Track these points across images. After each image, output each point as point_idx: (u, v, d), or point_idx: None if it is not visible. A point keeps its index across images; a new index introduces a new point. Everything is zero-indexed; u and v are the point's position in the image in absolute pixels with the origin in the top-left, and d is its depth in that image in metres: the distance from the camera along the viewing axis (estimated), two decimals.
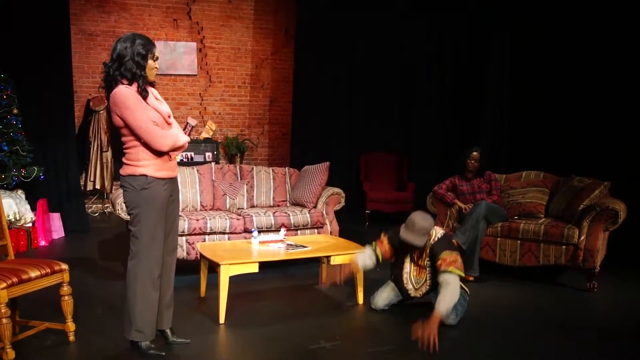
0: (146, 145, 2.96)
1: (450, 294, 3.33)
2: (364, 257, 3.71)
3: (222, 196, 5.42)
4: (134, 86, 2.96)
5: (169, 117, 3.09)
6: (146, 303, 3.05)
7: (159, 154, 2.99)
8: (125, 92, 2.90)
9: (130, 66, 2.92)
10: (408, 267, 3.77)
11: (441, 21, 7.86)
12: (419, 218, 3.56)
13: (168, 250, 3.21)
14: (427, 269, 3.70)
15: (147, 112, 2.94)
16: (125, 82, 2.94)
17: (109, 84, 2.97)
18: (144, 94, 2.97)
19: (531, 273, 4.87)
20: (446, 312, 3.28)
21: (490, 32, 7.28)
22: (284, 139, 9.56)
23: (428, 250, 3.63)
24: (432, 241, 3.61)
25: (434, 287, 3.64)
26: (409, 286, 3.79)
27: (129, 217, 3.12)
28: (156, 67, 3.05)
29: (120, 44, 2.95)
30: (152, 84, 3.09)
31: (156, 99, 3.09)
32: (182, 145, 3.10)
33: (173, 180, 3.16)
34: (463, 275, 3.54)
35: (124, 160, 3.06)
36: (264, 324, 3.70)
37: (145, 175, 2.97)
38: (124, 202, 3.10)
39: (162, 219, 3.07)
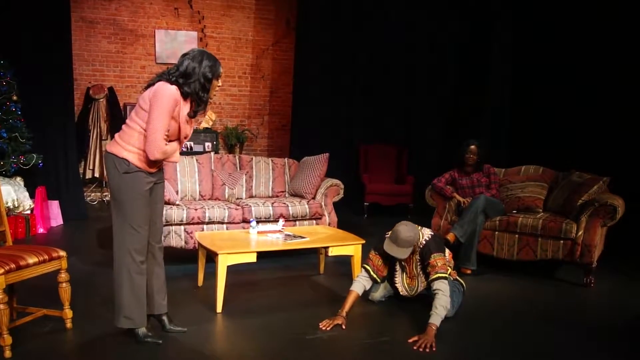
0: (143, 136, 2.94)
1: (441, 304, 3.33)
2: (361, 283, 3.65)
3: (221, 186, 5.42)
4: (187, 103, 2.97)
5: (186, 137, 3.09)
6: (132, 289, 3.05)
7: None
8: (170, 94, 2.89)
9: (194, 87, 2.95)
10: (400, 278, 3.77)
11: (443, 13, 7.83)
12: (403, 228, 3.48)
13: (155, 236, 3.20)
14: (419, 276, 3.69)
15: (170, 122, 2.93)
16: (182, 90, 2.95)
17: (163, 79, 2.95)
18: (192, 115, 3.00)
19: (528, 267, 4.88)
20: (440, 321, 3.29)
21: (492, 25, 7.27)
22: (283, 130, 9.55)
23: (417, 256, 3.62)
24: (420, 245, 3.59)
25: (429, 287, 3.63)
26: (404, 293, 3.80)
27: (113, 201, 3.09)
28: (219, 85, 3.07)
29: (187, 61, 2.96)
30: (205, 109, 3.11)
31: (190, 118, 3.07)
32: (170, 162, 3.12)
33: (156, 172, 3.12)
34: (447, 276, 3.52)
35: (116, 136, 3.05)
36: (261, 313, 3.71)
37: (127, 161, 2.96)
38: (109, 185, 3.09)
39: (145, 204, 3.05)
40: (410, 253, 3.57)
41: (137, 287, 3.07)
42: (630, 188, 5.11)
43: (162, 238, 3.38)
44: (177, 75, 2.95)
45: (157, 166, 3.10)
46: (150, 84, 2.99)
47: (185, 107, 2.99)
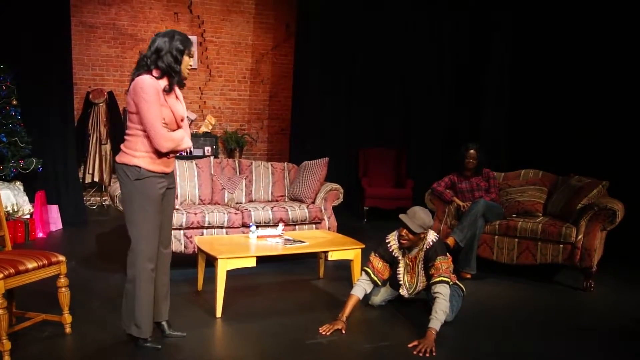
0: (147, 138, 2.95)
1: (441, 309, 3.33)
2: (362, 287, 3.65)
3: (220, 190, 5.42)
4: (164, 80, 2.98)
5: (182, 120, 3.09)
6: (143, 297, 3.04)
7: (157, 149, 2.99)
8: (149, 84, 2.91)
9: (168, 60, 2.96)
10: (402, 275, 3.76)
11: (442, 16, 7.85)
12: (420, 210, 3.58)
13: (164, 242, 3.20)
14: (420, 275, 3.70)
15: (161, 109, 2.94)
16: (156, 73, 2.97)
17: (140, 73, 2.98)
18: (168, 89, 2.99)
19: (528, 271, 4.87)
20: (440, 326, 3.29)
21: (492, 29, 7.28)
22: (283, 134, 9.56)
23: (422, 255, 3.63)
24: (426, 246, 3.60)
25: (428, 288, 3.64)
26: (404, 292, 3.80)
27: (122, 208, 3.10)
28: (190, 64, 3.08)
29: (159, 38, 3.00)
30: (183, 84, 3.12)
31: (176, 97, 3.09)
32: (184, 149, 3.12)
33: (169, 175, 3.15)
34: (451, 283, 3.54)
35: (122, 147, 3.06)
36: (260, 318, 3.70)
37: (139, 167, 2.97)
38: (121, 194, 3.10)
39: (157, 211, 3.05)
40: (417, 248, 3.62)
41: (145, 294, 3.06)
42: (629, 192, 5.12)
43: (171, 245, 3.38)
44: (150, 54, 2.98)
45: (171, 159, 3.09)
46: (129, 86, 3.01)
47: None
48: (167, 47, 2.96)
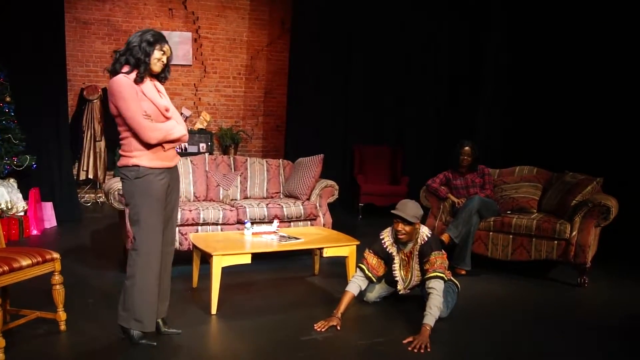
0: (137, 136, 2.95)
1: (435, 305, 3.35)
2: (357, 284, 3.67)
3: (215, 187, 5.41)
4: (134, 73, 2.97)
5: (167, 110, 3.07)
6: (147, 294, 3.04)
7: (150, 144, 2.98)
8: (122, 82, 2.93)
9: (136, 52, 2.98)
10: (398, 271, 3.77)
11: (439, 14, 7.84)
12: (408, 201, 3.65)
13: (166, 241, 3.19)
14: (414, 270, 3.71)
15: (141, 103, 2.94)
16: (126, 69, 2.97)
17: (114, 69, 3.00)
18: (138, 80, 2.97)
19: (523, 268, 4.89)
20: (435, 321, 3.31)
21: (488, 27, 7.28)
22: (278, 131, 9.55)
23: (417, 250, 3.64)
24: (421, 241, 3.62)
25: (423, 283, 3.65)
26: (400, 287, 3.81)
27: (126, 207, 3.10)
28: (162, 61, 3.06)
29: (133, 35, 3.03)
30: (160, 78, 3.14)
31: (158, 91, 3.09)
32: (177, 138, 3.09)
33: (171, 170, 3.14)
34: (446, 279, 3.56)
35: (119, 151, 3.10)
36: (255, 315, 3.70)
37: (138, 166, 2.97)
38: (124, 196, 3.11)
39: (160, 209, 3.05)
40: (411, 243, 3.64)
41: (151, 292, 3.06)
42: (623, 188, 5.14)
43: (174, 245, 3.39)
44: (123, 50, 3.01)
45: (170, 152, 3.08)
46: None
47: (142, 85, 3.00)
48: (137, 40, 2.98)
